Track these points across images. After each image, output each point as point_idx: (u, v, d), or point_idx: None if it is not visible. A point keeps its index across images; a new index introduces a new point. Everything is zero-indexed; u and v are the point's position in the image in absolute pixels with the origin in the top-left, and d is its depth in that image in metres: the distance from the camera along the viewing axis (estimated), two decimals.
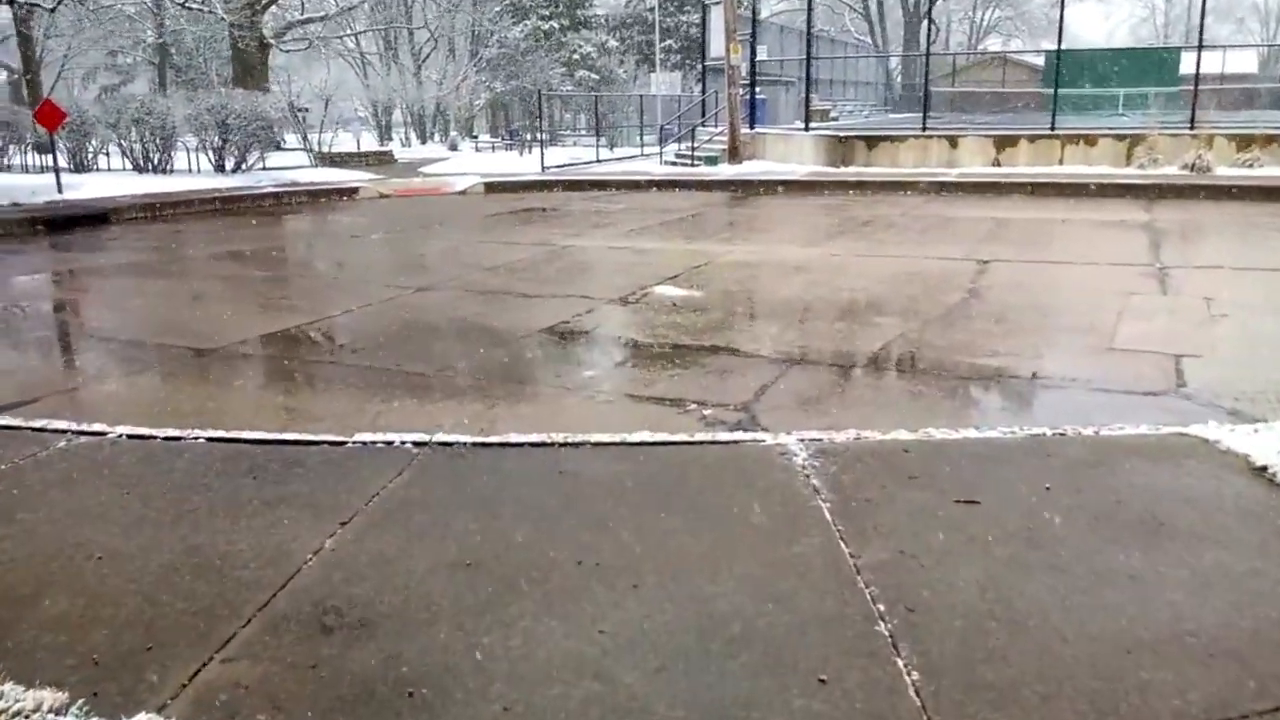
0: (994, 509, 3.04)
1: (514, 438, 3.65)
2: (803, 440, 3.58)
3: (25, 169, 20.10)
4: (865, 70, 38.61)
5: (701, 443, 3.64)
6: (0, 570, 2.71)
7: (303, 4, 27.87)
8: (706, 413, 4.52)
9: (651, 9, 42.48)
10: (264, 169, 19.61)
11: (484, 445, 3.60)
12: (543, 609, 2.48)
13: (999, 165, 16.75)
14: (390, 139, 42.14)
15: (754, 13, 22.01)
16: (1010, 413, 4.56)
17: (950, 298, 6.96)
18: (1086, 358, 5.39)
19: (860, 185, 15.62)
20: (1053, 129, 16.83)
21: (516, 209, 13.98)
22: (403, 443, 3.63)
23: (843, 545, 2.78)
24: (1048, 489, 3.18)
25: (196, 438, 3.70)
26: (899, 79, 46.68)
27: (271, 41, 24.53)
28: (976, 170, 16.43)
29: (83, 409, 4.63)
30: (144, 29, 36.36)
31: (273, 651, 2.30)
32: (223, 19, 21.59)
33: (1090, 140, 16.32)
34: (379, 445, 3.61)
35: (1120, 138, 16.20)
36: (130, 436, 3.74)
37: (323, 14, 29.35)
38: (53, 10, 17.43)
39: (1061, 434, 3.66)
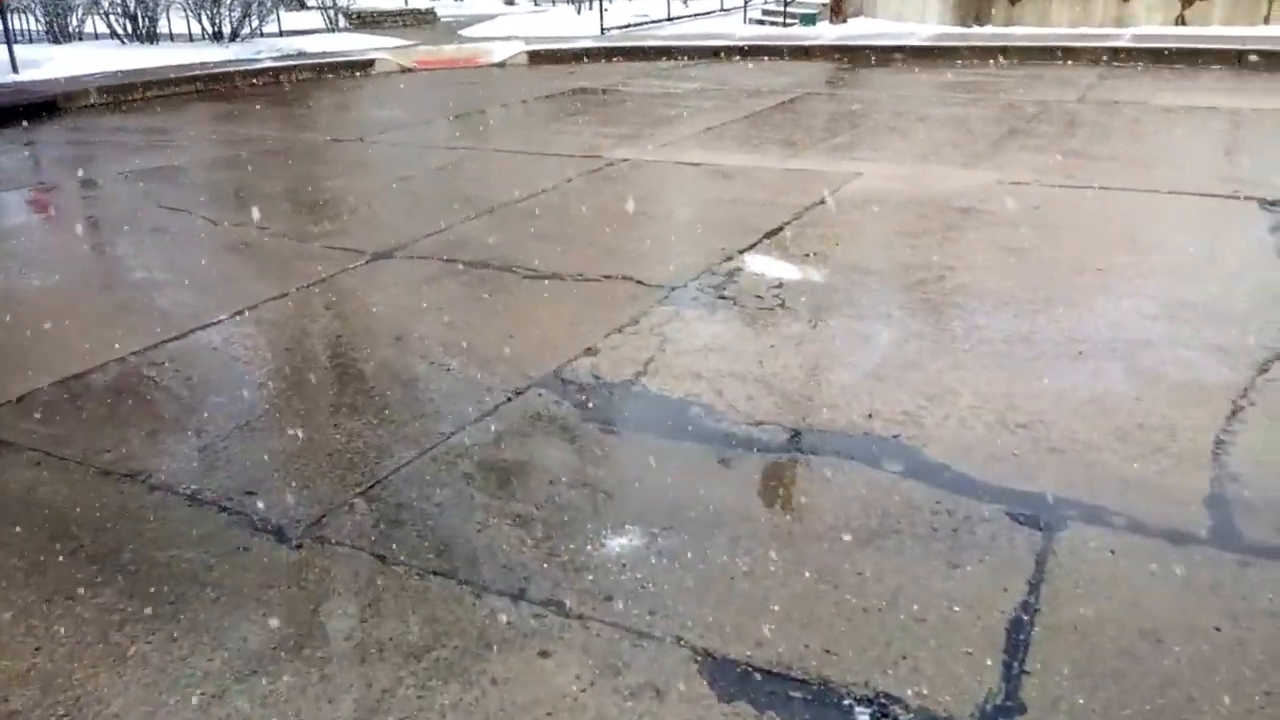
0: None
1: None
2: None
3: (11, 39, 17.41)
4: None
5: None
6: None
7: None
8: None
9: None
10: (279, 34, 16.67)
11: None
12: None
13: (1184, 24, 12.98)
14: None
15: None
16: None
17: None
18: None
19: (1003, 53, 12.12)
20: None
21: (561, 90, 10.92)
22: None
23: None
24: None
25: None
26: None
27: None
28: (1155, 31, 12.72)
29: None
30: None
31: None
32: None
33: None
34: None
35: None
36: None
37: None
38: None
39: None
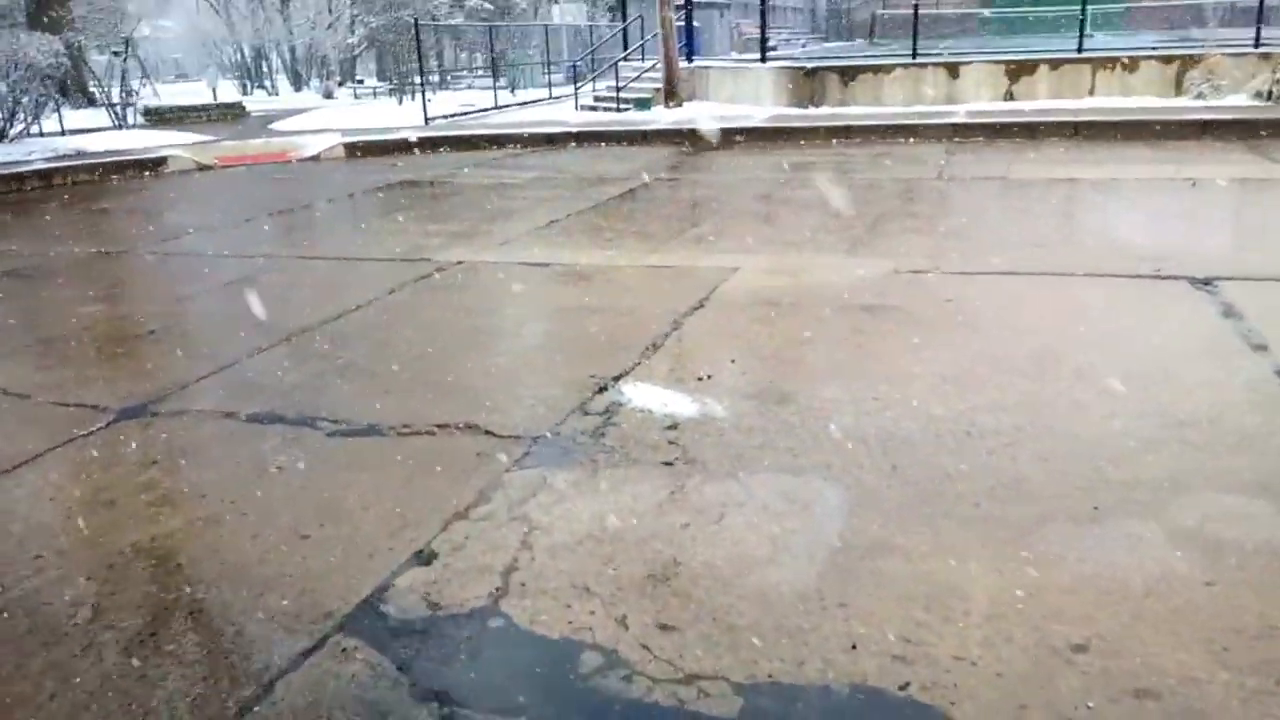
0: None
1: None
2: None
3: None
4: None
5: None
6: None
7: None
8: None
9: None
10: (61, 133, 14.88)
11: None
12: None
13: (1013, 99, 13.06)
14: (260, 87, 36.75)
15: None
16: None
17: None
18: None
19: (845, 132, 11.78)
20: (1079, 51, 13.17)
21: (383, 184, 9.77)
22: None
23: None
24: None
25: None
26: (824, 4, 42.75)
27: None
28: (988, 108, 12.71)
29: None
30: None
31: None
32: None
33: (1129, 64, 12.71)
34: None
35: (1168, 60, 12.64)
36: None
37: None
38: None
39: None
